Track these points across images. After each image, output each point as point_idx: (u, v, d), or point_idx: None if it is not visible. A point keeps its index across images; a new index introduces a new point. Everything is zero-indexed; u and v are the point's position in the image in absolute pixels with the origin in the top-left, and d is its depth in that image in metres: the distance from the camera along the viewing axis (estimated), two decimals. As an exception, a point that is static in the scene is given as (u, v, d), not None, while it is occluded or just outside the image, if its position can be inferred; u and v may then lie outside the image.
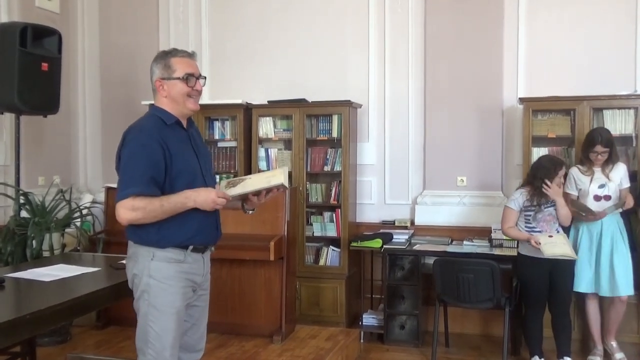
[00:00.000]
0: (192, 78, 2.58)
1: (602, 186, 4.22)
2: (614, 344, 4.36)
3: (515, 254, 4.43)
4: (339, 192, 5.23)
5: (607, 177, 4.23)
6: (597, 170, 4.26)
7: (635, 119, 4.57)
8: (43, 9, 5.51)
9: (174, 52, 2.61)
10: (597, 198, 4.22)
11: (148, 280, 2.50)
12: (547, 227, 4.10)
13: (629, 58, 4.84)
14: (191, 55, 2.64)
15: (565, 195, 4.22)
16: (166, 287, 2.51)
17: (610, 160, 4.24)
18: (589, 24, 4.93)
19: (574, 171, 4.33)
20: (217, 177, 4.59)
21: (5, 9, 5.12)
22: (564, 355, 4.14)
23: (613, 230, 4.23)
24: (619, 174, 4.25)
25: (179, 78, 2.56)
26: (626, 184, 4.27)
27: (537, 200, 4.11)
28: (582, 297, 4.42)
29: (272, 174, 2.67)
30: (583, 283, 4.25)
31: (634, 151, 4.60)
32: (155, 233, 2.48)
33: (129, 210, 2.41)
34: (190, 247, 2.57)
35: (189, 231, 2.54)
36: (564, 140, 4.79)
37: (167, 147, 2.48)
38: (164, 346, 2.51)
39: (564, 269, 4.12)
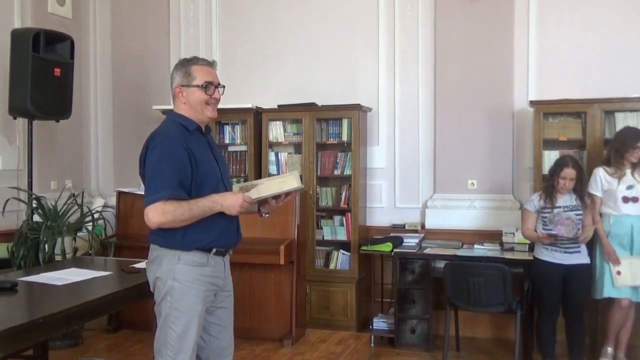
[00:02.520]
0: (211, 86, 2.63)
1: (630, 187, 4.15)
2: (621, 355, 4.30)
3: (526, 257, 4.42)
4: (349, 196, 5.22)
5: (636, 178, 4.16)
6: (627, 171, 4.19)
7: (647, 121, 4.54)
8: (56, 15, 5.56)
9: (194, 60, 2.66)
10: (625, 200, 4.15)
11: (172, 283, 2.54)
12: (566, 231, 4.05)
13: (641, 60, 4.81)
14: (211, 64, 2.69)
15: (590, 196, 4.20)
16: (189, 289, 2.55)
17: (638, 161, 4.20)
18: (600, 27, 4.90)
19: (600, 172, 4.24)
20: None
21: (19, 15, 5.17)
22: (576, 360, 4.12)
23: None
24: None
25: (198, 86, 2.61)
26: None
27: (549, 201, 4.10)
28: (610, 301, 4.26)
29: (284, 179, 2.71)
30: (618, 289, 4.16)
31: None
32: (182, 236, 2.53)
33: (159, 214, 2.45)
34: (214, 250, 2.61)
35: (214, 234, 2.59)
36: (575, 143, 4.76)
37: (192, 152, 2.54)
38: (183, 348, 2.54)
39: (580, 274, 4.09)
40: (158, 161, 2.49)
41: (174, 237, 2.53)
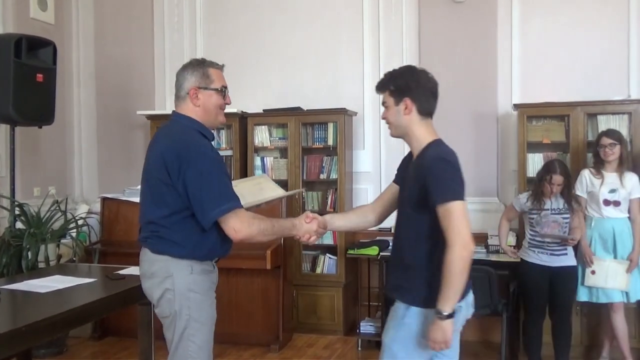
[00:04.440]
0: (226, 91, 2.60)
1: (612, 191, 4.15)
2: (605, 353, 4.34)
3: (512, 259, 4.44)
4: (335, 200, 5.22)
5: (621, 183, 4.15)
6: (610, 175, 4.18)
7: (629, 123, 4.59)
8: (38, 20, 5.51)
9: (208, 63, 2.58)
10: (606, 203, 4.15)
11: (188, 295, 2.45)
12: (551, 233, 4.08)
13: (622, 63, 4.86)
14: (222, 68, 2.65)
15: (577, 198, 4.20)
16: (206, 299, 2.51)
17: (623, 164, 4.17)
18: (582, 30, 4.95)
19: (586, 173, 4.27)
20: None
21: (0, 20, 5.12)
22: (561, 362, 4.15)
23: (625, 237, 4.15)
24: (632, 182, 4.15)
25: (216, 89, 2.55)
26: (637, 193, 4.16)
27: (536, 203, 4.13)
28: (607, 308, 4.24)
29: (258, 182, 2.76)
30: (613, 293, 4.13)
31: (629, 156, 4.60)
32: (200, 246, 2.47)
33: (247, 226, 2.41)
34: (215, 259, 2.61)
35: (228, 245, 2.57)
36: (559, 145, 4.80)
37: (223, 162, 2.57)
38: (203, 358, 2.51)
39: (565, 275, 4.11)
40: (209, 172, 2.39)
41: (194, 246, 2.45)
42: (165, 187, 2.42)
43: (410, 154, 2.51)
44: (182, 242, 2.44)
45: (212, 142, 2.67)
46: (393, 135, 2.51)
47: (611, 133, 4.25)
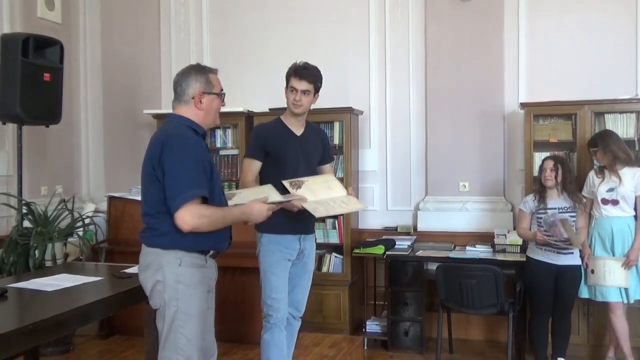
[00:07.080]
0: (224, 95, 2.74)
1: (610, 190, 4.13)
2: (611, 354, 4.33)
3: (518, 259, 4.44)
4: (341, 199, 5.21)
5: (620, 181, 4.10)
6: (610, 174, 4.16)
7: (637, 122, 4.56)
8: (45, 20, 5.53)
9: (208, 68, 2.72)
10: (604, 201, 4.14)
11: (177, 286, 2.54)
12: (561, 232, 4.07)
13: (630, 62, 4.83)
14: (217, 72, 2.76)
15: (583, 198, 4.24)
16: (194, 292, 2.57)
17: (617, 163, 4.13)
18: (590, 29, 4.93)
19: (591, 174, 4.29)
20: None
21: (8, 20, 5.14)
22: (558, 357, 4.14)
23: (625, 235, 4.12)
24: (635, 180, 4.11)
25: (217, 94, 2.70)
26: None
27: (542, 200, 4.14)
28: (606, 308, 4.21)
29: (326, 179, 3.14)
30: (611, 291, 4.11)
31: (636, 155, 4.57)
32: (186, 235, 2.52)
33: (196, 218, 2.47)
34: (210, 253, 2.66)
35: (221, 236, 2.66)
36: (566, 144, 4.78)
37: (208, 159, 2.62)
38: (193, 351, 2.57)
39: (570, 273, 4.12)
40: (182, 160, 2.49)
41: (180, 235, 2.52)
42: (151, 178, 2.54)
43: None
44: (168, 231, 2.53)
45: (205, 138, 2.77)
46: (299, 114, 3.40)
47: (590, 141, 4.36)
